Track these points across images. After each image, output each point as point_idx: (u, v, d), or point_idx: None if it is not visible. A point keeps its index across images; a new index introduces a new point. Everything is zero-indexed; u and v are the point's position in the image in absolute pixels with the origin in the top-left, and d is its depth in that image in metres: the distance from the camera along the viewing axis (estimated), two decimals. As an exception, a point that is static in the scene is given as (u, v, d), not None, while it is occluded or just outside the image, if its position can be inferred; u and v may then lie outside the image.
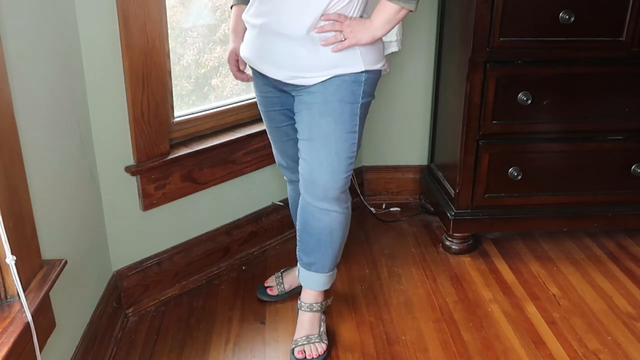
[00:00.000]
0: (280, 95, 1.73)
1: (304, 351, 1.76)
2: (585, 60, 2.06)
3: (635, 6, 1.97)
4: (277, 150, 1.91)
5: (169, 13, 1.88)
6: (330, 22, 1.53)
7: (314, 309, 1.82)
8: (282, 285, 2.05)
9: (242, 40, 1.75)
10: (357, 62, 1.58)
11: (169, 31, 1.90)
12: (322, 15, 1.53)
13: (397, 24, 1.59)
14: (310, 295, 1.82)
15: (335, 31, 1.54)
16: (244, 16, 1.68)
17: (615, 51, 2.04)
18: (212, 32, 2.18)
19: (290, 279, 2.07)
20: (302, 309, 1.83)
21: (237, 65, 1.83)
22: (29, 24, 1.34)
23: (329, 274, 1.80)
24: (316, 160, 1.65)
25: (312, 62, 1.58)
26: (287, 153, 1.86)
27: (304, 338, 1.79)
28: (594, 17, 1.99)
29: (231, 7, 1.83)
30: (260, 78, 1.74)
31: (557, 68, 2.05)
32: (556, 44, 2.01)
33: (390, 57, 2.39)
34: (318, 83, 1.59)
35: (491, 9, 1.95)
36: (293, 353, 1.76)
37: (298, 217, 1.78)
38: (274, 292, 2.05)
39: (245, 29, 1.72)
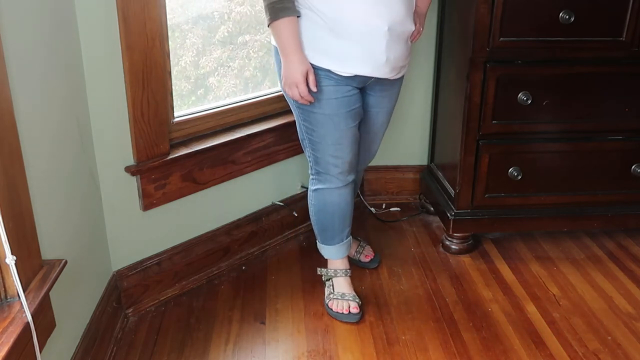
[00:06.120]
0: (358, 92, 1.79)
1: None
2: (585, 60, 2.06)
3: (635, 6, 1.97)
4: (352, 151, 1.84)
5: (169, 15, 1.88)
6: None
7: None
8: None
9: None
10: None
11: (169, 32, 1.90)
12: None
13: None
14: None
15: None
16: (353, 19, 1.59)
17: (615, 51, 2.04)
18: (212, 33, 2.18)
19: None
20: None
21: (307, 84, 1.68)
22: (28, 24, 1.34)
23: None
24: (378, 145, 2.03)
25: (408, 50, 1.80)
26: (356, 152, 1.88)
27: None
28: (594, 17, 1.99)
29: (274, 20, 1.60)
30: (340, 80, 1.70)
31: (557, 68, 2.05)
32: (556, 44, 2.02)
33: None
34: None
35: (491, 9, 1.95)
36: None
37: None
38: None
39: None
